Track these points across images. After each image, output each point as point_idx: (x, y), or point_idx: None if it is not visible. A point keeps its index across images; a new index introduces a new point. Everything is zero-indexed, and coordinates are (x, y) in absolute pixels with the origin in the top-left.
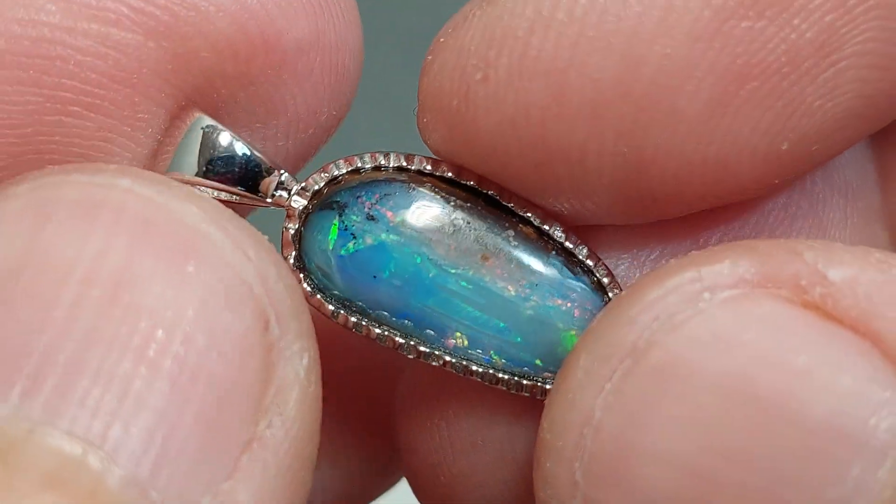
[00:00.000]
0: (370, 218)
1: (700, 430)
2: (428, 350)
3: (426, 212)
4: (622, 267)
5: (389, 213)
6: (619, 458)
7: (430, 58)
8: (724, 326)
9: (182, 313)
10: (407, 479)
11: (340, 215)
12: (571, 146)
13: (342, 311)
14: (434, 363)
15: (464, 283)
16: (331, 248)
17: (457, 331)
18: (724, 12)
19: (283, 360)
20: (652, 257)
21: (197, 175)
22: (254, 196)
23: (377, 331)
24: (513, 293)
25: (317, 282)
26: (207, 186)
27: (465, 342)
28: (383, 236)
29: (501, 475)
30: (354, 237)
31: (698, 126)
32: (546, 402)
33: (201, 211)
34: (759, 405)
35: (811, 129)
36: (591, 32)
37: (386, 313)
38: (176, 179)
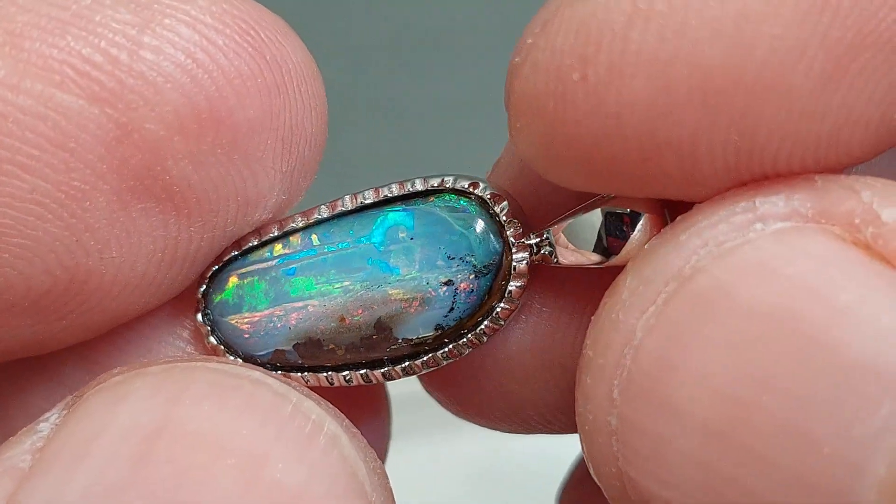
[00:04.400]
0: None
1: (738, 356)
2: None
3: None
4: None
5: None
6: (656, 379)
7: (517, 59)
8: (771, 257)
9: (309, 493)
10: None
11: None
12: (681, 138)
13: None
14: None
15: None
16: None
17: None
18: None
19: None
20: None
21: None
22: None
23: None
24: None
25: None
26: None
27: None
28: None
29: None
30: None
31: (811, 104)
32: (592, 320)
33: (322, 408)
34: (798, 337)
35: None
36: (695, 21)
37: None
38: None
